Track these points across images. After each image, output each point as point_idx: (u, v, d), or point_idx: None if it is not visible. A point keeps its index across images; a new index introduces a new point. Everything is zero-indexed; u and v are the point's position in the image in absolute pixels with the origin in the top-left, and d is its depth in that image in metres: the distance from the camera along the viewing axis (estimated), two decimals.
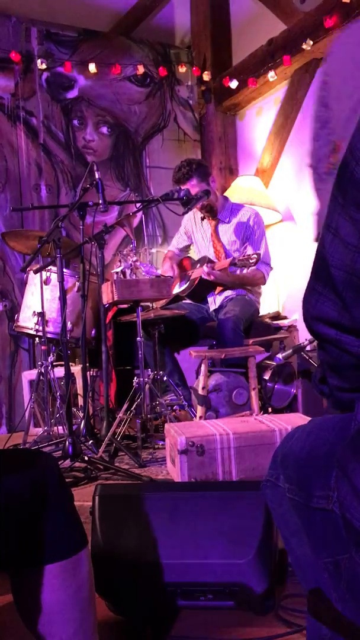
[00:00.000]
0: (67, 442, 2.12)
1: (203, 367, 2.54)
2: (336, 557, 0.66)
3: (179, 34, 4.59)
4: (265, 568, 1.37)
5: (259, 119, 4.18)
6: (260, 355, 2.79)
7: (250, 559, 1.36)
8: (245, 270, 2.99)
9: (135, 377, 2.45)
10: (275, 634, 1.34)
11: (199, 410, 2.54)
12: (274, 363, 2.86)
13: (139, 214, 3.72)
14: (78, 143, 3.91)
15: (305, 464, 0.75)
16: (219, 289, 3.18)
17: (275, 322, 3.37)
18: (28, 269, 2.71)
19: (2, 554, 0.91)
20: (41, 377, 2.62)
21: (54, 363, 2.66)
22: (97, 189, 2.37)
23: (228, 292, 3.15)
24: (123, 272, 2.49)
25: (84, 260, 2.57)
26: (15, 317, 2.86)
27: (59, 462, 1.98)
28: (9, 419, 3.56)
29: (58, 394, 2.61)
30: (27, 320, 2.72)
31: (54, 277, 2.67)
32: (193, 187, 3.00)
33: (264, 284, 3.20)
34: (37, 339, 2.77)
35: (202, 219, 3.26)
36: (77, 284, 2.70)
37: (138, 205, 2.92)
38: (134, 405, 2.42)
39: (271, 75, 3.66)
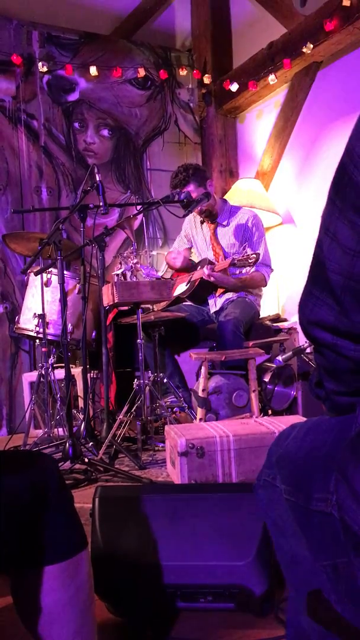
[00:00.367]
0: (67, 444, 2.13)
1: (203, 369, 2.54)
2: (335, 561, 0.66)
3: (179, 37, 4.61)
4: (265, 570, 1.37)
5: (260, 121, 4.19)
6: (261, 357, 2.79)
7: (250, 561, 1.36)
8: (244, 270, 3.00)
9: (136, 379, 2.45)
10: (275, 636, 1.34)
11: (199, 412, 2.54)
12: (274, 365, 2.86)
13: (140, 217, 3.73)
14: (79, 145, 3.92)
15: (304, 465, 0.74)
16: (219, 291, 3.18)
17: (275, 324, 3.37)
18: (29, 270, 2.71)
19: (2, 555, 0.91)
20: (41, 379, 2.63)
21: (55, 365, 2.67)
22: (98, 192, 2.38)
23: (229, 294, 3.16)
24: (123, 274, 2.49)
25: (84, 263, 2.58)
26: (16, 319, 2.86)
27: (59, 464, 1.98)
28: (10, 420, 3.57)
29: (58, 395, 2.61)
30: (27, 322, 2.73)
31: (54, 279, 2.68)
32: (191, 192, 3.01)
33: (265, 285, 3.21)
34: (37, 340, 2.78)
35: (202, 222, 3.26)
36: (78, 286, 2.70)
37: (139, 207, 2.92)
38: (134, 407, 2.42)
39: (271, 78, 3.67)
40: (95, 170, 2.44)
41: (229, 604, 1.42)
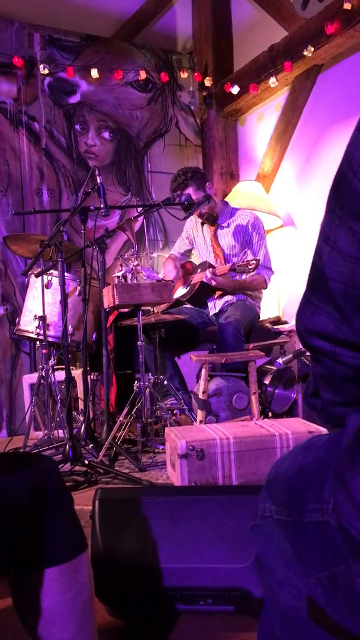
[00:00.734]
0: (67, 446, 2.13)
1: (204, 372, 2.54)
2: (332, 570, 0.66)
3: (180, 40, 4.62)
4: None
5: (260, 124, 4.19)
6: (261, 359, 2.79)
7: (250, 564, 1.36)
8: (244, 276, 3.00)
9: (136, 381, 2.45)
10: None
11: (200, 414, 2.54)
12: (275, 368, 2.86)
13: (140, 219, 3.73)
14: (80, 148, 3.93)
15: (297, 481, 0.74)
16: (218, 293, 3.18)
17: (275, 326, 3.37)
18: (29, 272, 2.72)
19: (2, 556, 0.91)
20: (42, 381, 2.63)
21: (55, 367, 2.67)
22: (99, 194, 2.38)
23: (228, 297, 3.16)
24: (124, 277, 2.50)
25: (85, 264, 2.58)
26: (17, 321, 2.86)
27: (59, 466, 1.98)
28: (10, 422, 3.57)
29: (59, 397, 2.61)
30: (28, 324, 2.73)
31: (55, 281, 2.68)
32: (191, 195, 3.02)
33: (265, 288, 3.21)
34: (38, 342, 2.78)
35: (202, 224, 3.27)
36: (79, 287, 2.70)
37: (139, 209, 2.93)
38: (135, 409, 2.42)
39: (272, 81, 3.68)
40: (96, 173, 2.44)
41: (229, 606, 1.42)
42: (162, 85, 4.17)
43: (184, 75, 4.18)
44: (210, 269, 2.98)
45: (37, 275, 2.59)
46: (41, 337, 2.64)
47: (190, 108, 4.30)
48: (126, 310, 2.89)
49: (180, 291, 3.31)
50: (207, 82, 4.21)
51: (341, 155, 0.59)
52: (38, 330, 2.66)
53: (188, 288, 3.24)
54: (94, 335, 2.87)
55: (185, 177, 3.04)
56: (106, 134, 4.01)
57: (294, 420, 2.19)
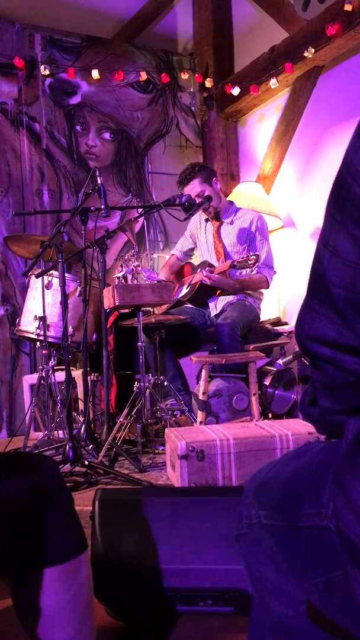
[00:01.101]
0: (67, 447, 2.13)
1: (204, 373, 2.54)
2: (329, 575, 0.66)
3: (181, 41, 4.62)
4: None
5: (261, 125, 4.20)
6: (261, 360, 2.79)
7: None
8: (244, 272, 3.01)
9: (136, 382, 2.45)
10: None
11: (200, 415, 2.54)
12: (275, 369, 2.86)
13: (141, 220, 3.72)
14: (80, 148, 3.93)
15: (291, 486, 0.74)
16: (219, 293, 3.19)
17: (275, 327, 3.37)
18: (30, 273, 2.72)
19: (2, 556, 0.91)
20: (42, 381, 2.63)
21: (55, 367, 2.67)
22: (99, 194, 2.39)
23: (228, 297, 3.16)
24: (124, 277, 2.50)
25: (85, 265, 2.58)
26: (17, 321, 2.86)
27: (59, 467, 1.97)
28: (10, 422, 3.56)
29: (59, 398, 2.61)
30: (28, 325, 2.73)
31: (55, 281, 2.68)
32: (195, 187, 3.03)
33: (267, 287, 3.21)
34: (38, 343, 2.78)
35: (207, 220, 3.28)
36: (79, 288, 2.71)
37: (140, 210, 2.93)
38: (135, 410, 2.42)
39: (273, 82, 3.68)
40: (97, 173, 2.44)
41: (228, 607, 1.42)
42: (163, 86, 4.17)
43: (184, 76, 4.18)
44: (207, 269, 2.99)
45: (37, 276, 2.59)
46: (41, 338, 2.64)
47: (191, 109, 4.30)
48: (126, 310, 2.89)
49: (182, 291, 3.31)
50: (208, 83, 4.22)
51: (342, 157, 0.59)
52: (38, 331, 2.66)
53: (189, 288, 3.24)
54: (94, 336, 2.87)
55: (193, 170, 3.09)
56: (107, 135, 4.02)
57: (294, 421, 2.19)
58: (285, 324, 3.58)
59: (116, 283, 2.45)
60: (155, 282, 2.49)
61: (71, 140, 3.90)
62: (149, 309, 2.99)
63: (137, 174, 4.11)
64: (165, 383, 2.70)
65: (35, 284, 2.76)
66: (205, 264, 3.20)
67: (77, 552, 0.98)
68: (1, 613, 1.41)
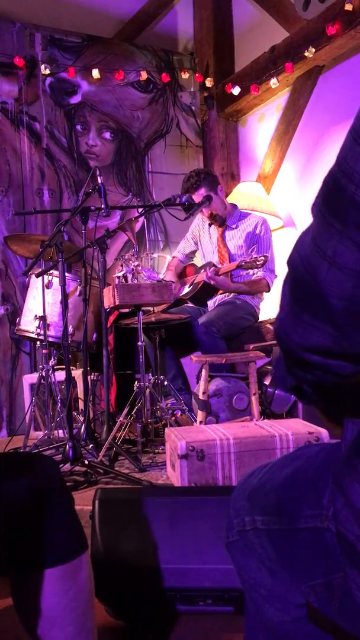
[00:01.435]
0: (67, 446, 2.13)
1: (204, 372, 2.54)
2: (328, 578, 0.66)
3: (181, 41, 4.62)
4: None
5: (261, 125, 4.19)
6: (261, 360, 2.79)
7: None
8: (251, 272, 3.02)
9: (136, 382, 2.45)
10: None
11: (200, 414, 2.54)
12: None
13: (141, 219, 3.73)
14: (81, 148, 3.93)
15: (289, 488, 0.74)
16: (220, 293, 3.19)
17: None
18: (30, 272, 2.72)
19: (2, 557, 0.91)
20: (42, 381, 2.63)
21: (55, 367, 2.67)
22: (100, 194, 2.39)
23: (222, 297, 3.18)
24: (125, 277, 2.50)
25: (85, 265, 2.58)
26: (17, 321, 2.86)
27: (59, 466, 1.98)
28: (10, 422, 3.57)
29: (59, 397, 2.61)
30: (28, 324, 2.73)
31: (55, 281, 2.68)
32: (201, 196, 3.04)
33: (268, 291, 3.22)
34: (38, 342, 2.78)
35: (210, 225, 3.29)
36: (79, 288, 2.71)
37: (140, 210, 2.93)
38: (135, 410, 2.42)
39: (273, 82, 3.68)
40: (97, 173, 2.44)
41: (229, 607, 1.42)
42: (163, 86, 4.17)
43: (185, 75, 4.18)
44: (212, 268, 2.99)
45: (37, 275, 2.59)
46: (41, 337, 2.64)
47: (191, 109, 4.30)
48: (126, 310, 2.89)
49: (184, 289, 3.32)
50: (208, 82, 4.21)
51: None
52: (38, 330, 2.66)
53: (191, 287, 3.25)
54: (94, 336, 2.87)
55: (199, 178, 3.08)
56: (107, 135, 4.02)
57: (294, 421, 2.19)
58: None
59: (116, 282, 2.45)
60: (156, 281, 2.49)
61: (71, 140, 3.90)
62: (149, 308, 2.99)
63: (138, 173, 4.11)
64: (165, 382, 2.70)
65: (36, 284, 2.76)
66: (210, 265, 3.21)
67: (78, 552, 0.97)
68: (1, 613, 1.41)
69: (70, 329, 2.64)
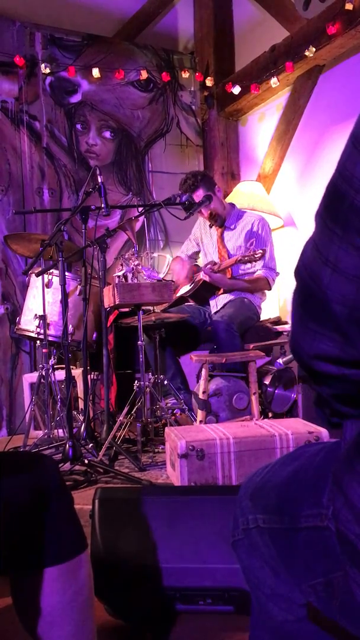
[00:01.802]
0: (67, 445, 2.13)
1: (204, 372, 2.54)
2: (328, 576, 0.66)
3: (182, 40, 4.62)
4: None
5: (261, 124, 4.19)
6: (261, 360, 2.79)
7: None
8: (251, 267, 3.02)
9: (136, 381, 2.45)
10: None
11: (200, 414, 2.54)
12: (275, 368, 2.86)
13: (141, 218, 3.73)
14: (81, 147, 3.93)
15: (290, 488, 0.74)
16: (221, 291, 3.19)
17: (276, 326, 3.37)
18: (30, 272, 2.72)
19: (1, 556, 0.91)
20: (42, 380, 2.63)
21: (55, 366, 2.67)
22: (100, 193, 2.38)
23: (229, 296, 3.17)
24: (125, 276, 2.50)
25: (85, 264, 2.58)
26: (17, 320, 2.86)
27: (59, 465, 1.98)
28: (10, 421, 3.57)
29: (59, 397, 2.61)
30: (28, 323, 2.73)
31: (55, 280, 2.68)
32: (199, 197, 3.04)
33: (269, 289, 3.22)
34: (38, 341, 2.78)
35: (210, 226, 3.30)
36: (79, 287, 2.71)
37: (140, 209, 2.93)
38: (135, 409, 2.42)
39: (273, 81, 3.68)
40: (97, 172, 2.44)
41: (228, 606, 1.42)
42: (164, 85, 4.17)
43: (185, 75, 4.18)
44: (209, 266, 3.00)
45: (37, 275, 2.59)
46: (41, 337, 2.64)
47: (192, 108, 4.30)
48: (127, 309, 2.89)
49: (184, 288, 3.33)
50: (209, 82, 4.21)
51: None
52: (38, 330, 2.66)
53: (192, 285, 3.26)
54: (94, 335, 2.87)
55: (196, 180, 3.09)
56: (107, 134, 4.01)
57: (294, 420, 2.19)
58: (285, 323, 3.58)
59: (116, 282, 2.45)
60: (156, 281, 2.49)
61: (71, 139, 3.89)
62: (149, 307, 2.99)
63: (138, 172, 4.10)
64: (165, 382, 2.70)
65: (36, 283, 2.76)
66: (210, 263, 3.21)
67: (77, 551, 0.97)
68: (1, 613, 1.41)
69: (70, 328, 2.64)
